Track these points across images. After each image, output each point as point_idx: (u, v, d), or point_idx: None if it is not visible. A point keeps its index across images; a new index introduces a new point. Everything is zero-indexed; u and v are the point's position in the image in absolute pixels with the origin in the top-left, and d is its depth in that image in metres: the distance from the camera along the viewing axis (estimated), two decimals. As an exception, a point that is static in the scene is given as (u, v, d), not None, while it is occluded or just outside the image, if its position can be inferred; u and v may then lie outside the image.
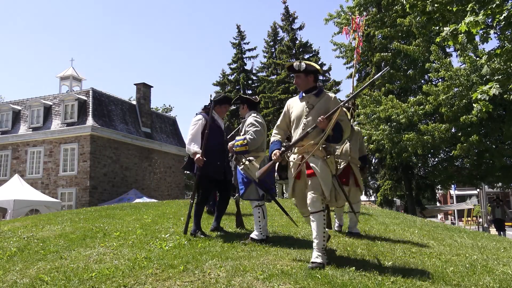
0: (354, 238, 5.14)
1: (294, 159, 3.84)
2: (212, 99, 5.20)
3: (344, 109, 5.58)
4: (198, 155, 4.78)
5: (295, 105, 3.95)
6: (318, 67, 3.87)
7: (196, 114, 5.31)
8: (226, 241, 4.55)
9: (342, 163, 5.57)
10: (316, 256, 3.58)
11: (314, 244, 3.62)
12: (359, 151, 5.72)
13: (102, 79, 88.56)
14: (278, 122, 4.08)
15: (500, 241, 6.26)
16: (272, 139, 4.03)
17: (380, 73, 3.87)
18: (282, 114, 4.07)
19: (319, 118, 3.61)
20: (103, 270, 3.57)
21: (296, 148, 3.81)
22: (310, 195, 3.64)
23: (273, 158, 3.80)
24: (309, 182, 3.70)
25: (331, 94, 3.89)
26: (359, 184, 5.56)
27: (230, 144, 5.03)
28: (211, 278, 3.27)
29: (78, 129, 23.20)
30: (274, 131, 4.07)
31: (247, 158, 4.70)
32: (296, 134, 3.84)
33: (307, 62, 3.84)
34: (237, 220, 5.62)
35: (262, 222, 4.73)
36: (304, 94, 3.91)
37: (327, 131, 3.60)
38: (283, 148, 3.86)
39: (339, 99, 4.07)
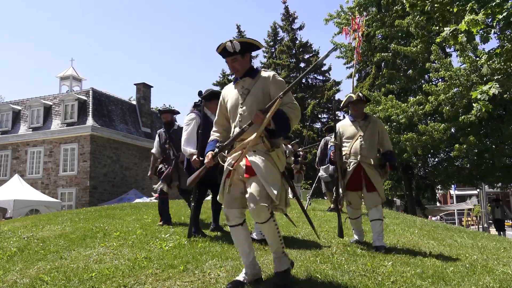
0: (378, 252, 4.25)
1: (231, 161, 3.10)
2: (201, 96, 5.10)
3: (352, 94, 4.85)
4: (194, 156, 4.74)
5: (229, 93, 3.27)
6: (254, 41, 3.17)
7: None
8: (226, 241, 4.55)
9: (352, 163, 4.67)
10: (279, 264, 3.06)
11: (273, 253, 3.10)
12: (379, 145, 4.76)
13: (102, 79, 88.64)
14: (216, 117, 3.39)
15: (500, 241, 6.26)
16: (210, 138, 3.36)
17: (326, 53, 3.01)
18: (218, 106, 3.38)
19: (256, 113, 2.94)
20: (103, 270, 3.57)
21: (237, 145, 3.09)
22: (251, 206, 2.88)
23: (205, 162, 3.14)
24: (248, 187, 2.95)
25: (269, 73, 3.16)
26: (375, 189, 4.57)
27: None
28: (211, 278, 3.27)
29: (78, 129, 23.21)
30: (213, 128, 3.37)
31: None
32: (234, 128, 3.18)
33: (241, 39, 3.13)
34: None
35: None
36: (239, 79, 3.22)
37: (263, 126, 2.91)
38: (216, 149, 3.13)
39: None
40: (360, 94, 4.81)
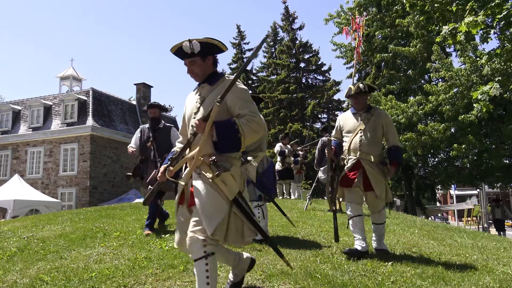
0: (379, 255, 4.09)
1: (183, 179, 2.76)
2: None
3: (351, 86, 4.39)
4: None
5: (188, 101, 2.89)
6: (216, 41, 2.69)
7: None
8: (226, 241, 4.55)
9: (350, 160, 4.24)
10: None
11: None
12: (386, 140, 4.33)
13: (102, 79, 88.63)
14: (180, 128, 3.05)
15: (500, 241, 6.26)
16: (172, 150, 3.05)
17: (258, 45, 2.61)
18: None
19: (196, 120, 2.59)
20: (103, 270, 3.57)
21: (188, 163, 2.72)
22: (188, 234, 2.52)
23: (157, 177, 2.80)
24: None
25: (230, 78, 2.71)
26: (373, 188, 4.11)
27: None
28: (211, 278, 3.26)
29: (78, 129, 23.22)
30: (178, 139, 3.04)
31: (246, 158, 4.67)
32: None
33: (202, 39, 2.65)
34: None
35: (262, 222, 4.73)
36: (200, 85, 2.82)
37: (204, 138, 2.52)
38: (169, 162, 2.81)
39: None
40: (360, 85, 4.32)
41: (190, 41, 2.62)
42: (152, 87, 28.73)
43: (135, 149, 5.62)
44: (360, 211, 4.22)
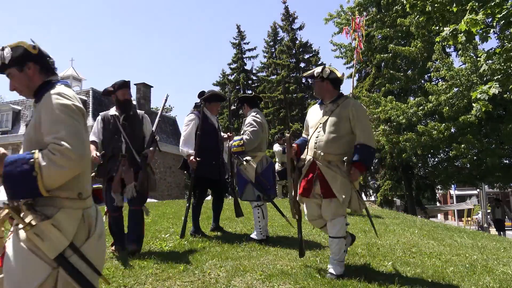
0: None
1: None
2: (201, 97, 5.05)
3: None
4: (191, 157, 4.74)
5: None
6: (26, 44, 1.99)
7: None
8: (226, 241, 4.56)
9: (307, 161, 3.59)
10: None
11: None
12: (357, 136, 3.46)
13: (102, 79, 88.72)
14: None
15: (500, 241, 6.27)
16: None
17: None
18: None
19: None
20: (103, 270, 3.57)
21: None
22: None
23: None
24: None
25: (49, 92, 1.89)
26: (333, 195, 3.35)
27: (229, 144, 5.02)
28: (211, 278, 3.27)
29: (78, 129, 23.26)
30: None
31: (244, 158, 4.66)
32: None
33: (13, 44, 1.98)
34: (236, 211, 5.05)
35: (262, 222, 4.73)
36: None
37: None
38: None
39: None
40: (317, 70, 3.65)
41: (2, 48, 1.98)
42: (152, 87, 28.74)
43: (99, 156, 4.06)
44: (322, 222, 3.62)
